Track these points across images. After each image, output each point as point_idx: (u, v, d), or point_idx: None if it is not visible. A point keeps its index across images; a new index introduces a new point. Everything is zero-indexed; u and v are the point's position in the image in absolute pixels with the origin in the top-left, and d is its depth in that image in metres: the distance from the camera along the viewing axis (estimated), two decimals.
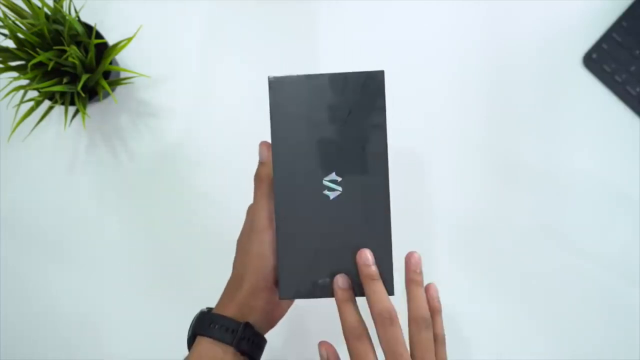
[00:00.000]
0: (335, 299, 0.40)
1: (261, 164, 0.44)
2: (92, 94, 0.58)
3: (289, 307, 0.47)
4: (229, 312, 0.42)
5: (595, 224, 0.61)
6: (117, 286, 0.63)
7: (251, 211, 0.45)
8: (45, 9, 0.53)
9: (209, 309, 0.44)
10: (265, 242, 0.42)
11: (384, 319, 0.38)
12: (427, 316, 0.40)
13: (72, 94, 0.55)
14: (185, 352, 0.44)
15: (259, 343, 0.43)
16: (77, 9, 0.56)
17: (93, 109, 0.63)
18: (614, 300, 0.60)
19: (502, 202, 0.62)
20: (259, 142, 0.45)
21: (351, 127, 0.39)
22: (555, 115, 0.62)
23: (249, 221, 0.45)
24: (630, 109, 0.62)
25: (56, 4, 0.53)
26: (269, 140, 0.41)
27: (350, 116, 0.39)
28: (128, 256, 0.63)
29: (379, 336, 0.39)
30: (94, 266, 0.63)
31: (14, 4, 0.53)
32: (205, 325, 0.42)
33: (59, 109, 0.63)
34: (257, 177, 0.45)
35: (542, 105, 0.62)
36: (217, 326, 0.42)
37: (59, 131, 0.63)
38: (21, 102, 0.54)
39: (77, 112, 0.57)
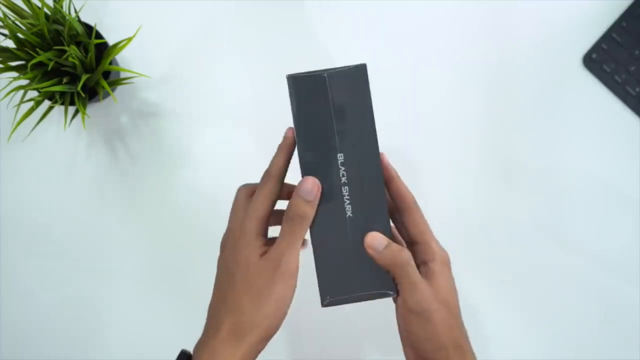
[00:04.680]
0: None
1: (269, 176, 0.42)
2: (92, 94, 0.58)
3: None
4: None
5: (594, 224, 0.61)
6: (117, 286, 0.63)
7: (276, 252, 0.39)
8: (45, 9, 0.53)
9: (188, 358, 0.40)
10: (291, 287, 0.39)
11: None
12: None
13: (72, 94, 0.55)
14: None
15: None
16: (77, 9, 0.56)
17: (93, 109, 0.63)
18: (613, 300, 0.60)
19: (501, 202, 0.62)
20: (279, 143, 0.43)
21: (345, 122, 0.40)
22: (555, 115, 0.62)
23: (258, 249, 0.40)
24: (630, 109, 0.62)
25: (56, 4, 0.53)
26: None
27: (342, 110, 0.40)
28: (128, 256, 0.63)
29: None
30: (94, 266, 0.63)
31: (14, 4, 0.53)
32: None
33: (59, 109, 0.63)
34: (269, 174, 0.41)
35: (542, 105, 0.62)
36: None
37: (58, 131, 0.63)
38: (21, 102, 0.54)
39: (77, 112, 0.57)
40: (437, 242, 0.41)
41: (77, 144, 0.63)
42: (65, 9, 0.54)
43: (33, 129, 0.58)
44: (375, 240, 0.40)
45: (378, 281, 0.40)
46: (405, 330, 0.40)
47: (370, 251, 0.40)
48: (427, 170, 0.62)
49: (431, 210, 0.61)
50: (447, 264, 0.41)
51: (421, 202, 0.42)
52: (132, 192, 0.63)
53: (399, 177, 0.42)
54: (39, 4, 0.59)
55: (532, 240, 0.61)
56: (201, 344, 0.40)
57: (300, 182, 0.39)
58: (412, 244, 0.42)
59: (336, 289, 0.40)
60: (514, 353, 0.61)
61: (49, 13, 0.54)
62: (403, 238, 0.43)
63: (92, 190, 0.63)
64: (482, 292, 0.61)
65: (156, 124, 0.63)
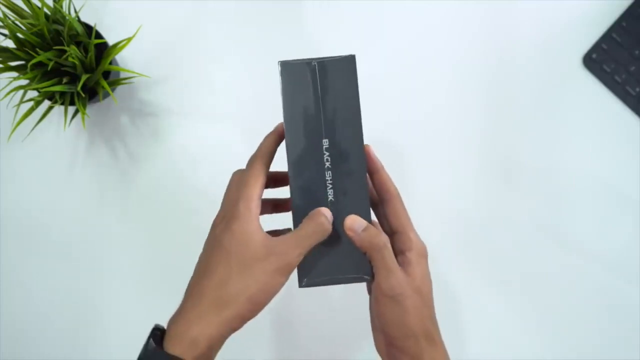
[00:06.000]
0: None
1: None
2: (92, 94, 0.58)
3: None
4: (183, 346, 0.37)
5: (594, 224, 0.61)
6: (117, 286, 0.63)
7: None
8: (45, 9, 0.53)
9: (161, 333, 0.39)
10: (282, 284, 0.39)
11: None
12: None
13: (72, 94, 0.55)
14: None
15: None
16: (77, 9, 0.56)
17: (93, 109, 0.63)
18: (613, 300, 0.60)
19: (501, 202, 0.62)
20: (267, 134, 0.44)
21: (331, 109, 0.42)
22: (555, 115, 0.62)
23: (250, 222, 0.40)
24: (630, 109, 0.62)
25: (56, 4, 0.53)
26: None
27: (329, 98, 0.42)
28: (128, 256, 0.63)
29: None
30: (94, 266, 0.63)
31: (14, 4, 0.53)
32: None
33: (58, 109, 0.63)
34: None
35: (542, 105, 0.62)
36: None
37: (58, 131, 0.63)
38: (21, 102, 0.54)
39: (77, 112, 0.57)
40: (415, 233, 0.42)
41: (77, 144, 0.63)
42: (65, 9, 0.54)
43: (33, 129, 0.58)
44: (355, 222, 0.41)
45: (355, 265, 0.41)
46: (377, 314, 0.41)
47: (349, 232, 0.40)
48: (427, 171, 0.62)
49: (431, 210, 0.62)
50: (424, 255, 0.42)
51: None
52: (131, 192, 0.63)
53: (384, 169, 0.43)
54: (39, 4, 0.59)
55: (532, 240, 0.61)
56: (177, 315, 0.39)
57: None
58: (392, 235, 0.42)
59: (314, 272, 0.41)
60: (514, 353, 0.61)
61: (49, 13, 0.54)
62: (384, 230, 0.44)
63: (92, 190, 0.63)
64: (482, 292, 0.61)
65: (156, 124, 0.63)
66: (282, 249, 0.39)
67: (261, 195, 0.41)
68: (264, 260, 0.38)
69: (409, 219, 0.43)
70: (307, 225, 0.40)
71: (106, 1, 0.63)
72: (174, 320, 0.39)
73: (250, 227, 0.39)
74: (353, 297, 0.59)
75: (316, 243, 0.40)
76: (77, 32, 0.54)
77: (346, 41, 0.63)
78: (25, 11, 0.54)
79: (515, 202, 0.62)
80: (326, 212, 0.41)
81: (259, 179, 0.41)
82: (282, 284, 0.39)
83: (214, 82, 0.64)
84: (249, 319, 0.39)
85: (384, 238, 0.40)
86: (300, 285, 0.41)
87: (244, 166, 0.43)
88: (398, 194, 0.43)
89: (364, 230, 0.40)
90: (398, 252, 0.41)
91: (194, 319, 0.38)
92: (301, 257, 0.39)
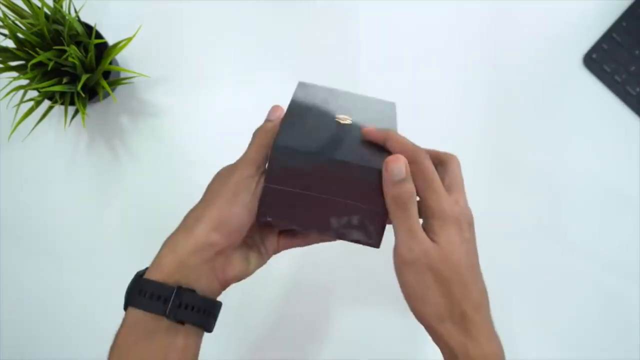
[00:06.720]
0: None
1: (267, 120, 0.42)
2: (92, 94, 0.58)
3: (245, 269, 0.40)
4: (163, 272, 0.36)
5: (594, 224, 0.61)
6: (117, 286, 0.63)
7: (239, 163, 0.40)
8: (45, 9, 0.53)
9: (145, 270, 0.38)
10: (249, 189, 0.38)
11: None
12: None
13: (72, 94, 0.55)
14: None
15: (208, 309, 0.37)
16: (77, 9, 0.56)
17: (93, 109, 0.63)
18: (613, 300, 0.60)
19: (501, 202, 0.62)
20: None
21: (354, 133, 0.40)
22: (555, 115, 0.62)
23: (229, 168, 0.40)
24: (630, 109, 0.62)
25: (56, 4, 0.53)
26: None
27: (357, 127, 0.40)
28: (128, 256, 0.63)
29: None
30: (94, 266, 0.63)
31: (14, 4, 0.53)
32: (134, 293, 0.37)
33: (58, 109, 0.63)
34: (259, 131, 0.42)
35: (542, 105, 0.62)
36: (146, 294, 0.36)
37: (58, 131, 0.63)
38: (21, 102, 0.54)
39: (77, 112, 0.57)
40: (445, 198, 0.36)
41: (77, 143, 0.63)
42: (65, 9, 0.54)
43: (33, 128, 0.58)
44: (398, 161, 0.35)
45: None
46: (400, 285, 0.37)
47: (386, 175, 0.35)
48: None
49: None
50: (453, 222, 0.36)
51: None
52: (131, 192, 0.63)
53: (395, 132, 0.39)
54: (39, 4, 0.59)
55: (532, 240, 0.61)
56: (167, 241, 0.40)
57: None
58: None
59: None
60: (514, 353, 0.60)
61: (49, 13, 0.54)
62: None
63: (92, 190, 0.63)
64: None
65: (156, 123, 0.63)
66: (244, 170, 0.39)
67: (262, 163, 0.40)
68: (253, 200, 0.38)
69: (438, 182, 0.36)
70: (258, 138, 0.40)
71: (106, 1, 0.63)
72: (164, 244, 0.40)
73: (252, 177, 0.38)
74: (353, 297, 0.59)
75: (265, 142, 0.39)
76: (77, 32, 0.54)
77: (346, 41, 0.63)
78: (25, 11, 0.54)
79: (515, 202, 0.62)
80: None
81: (262, 148, 0.40)
82: (246, 206, 0.37)
83: (213, 82, 0.64)
84: (218, 244, 0.37)
85: (414, 194, 0.35)
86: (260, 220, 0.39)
87: None
88: (420, 150, 0.37)
89: (404, 180, 0.35)
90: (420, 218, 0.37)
91: (165, 246, 0.39)
92: (259, 168, 0.38)
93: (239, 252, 0.40)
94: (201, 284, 0.37)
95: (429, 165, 0.37)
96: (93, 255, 0.63)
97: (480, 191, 0.62)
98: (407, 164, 0.35)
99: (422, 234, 0.35)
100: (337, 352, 0.61)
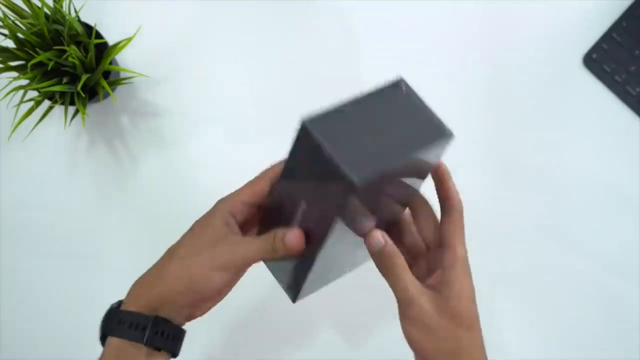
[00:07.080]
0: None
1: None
2: (92, 94, 0.58)
3: (215, 302, 0.41)
4: (140, 303, 0.39)
5: (594, 224, 0.61)
6: (117, 286, 0.63)
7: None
8: (45, 9, 0.53)
9: (119, 303, 0.40)
10: (227, 283, 0.38)
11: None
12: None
13: (72, 94, 0.55)
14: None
15: (176, 335, 0.40)
16: (77, 9, 0.56)
17: (93, 109, 0.63)
18: (613, 300, 0.60)
19: (501, 202, 0.62)
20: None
21: None
22: (555, 115, 0.62)
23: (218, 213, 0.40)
24: (630, 109, 0.62)
25: (56, 4, 0.53)
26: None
27: None
28: (128, 256, 0.63)
29: None
30: (94, 266, 0.63)
31: (14, 4, 0.53)
32: (113, 323, 0.39)
33: (59, 109, 0.63)
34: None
35: (542, 105, 0.62)
36: (126, 324, 0.38)
37: (59, 131, 0.63)
38: (21, 102, 0.54)
39: (77, 112, 0.57)
40: (463, 247, 0.40)
41: (77, 143, 0.63)
42: (65, 8, 0.54)
43: (33, 128, 0.58)
44: (376, 235, 0.37)
45: None
46: (404, 335, 0.39)
47: (370, 243, 0.37)
48: None
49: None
50: (468, 272, 0.40)
51: None
52: (131, 192, 0.63)
53: (451, 179, 0.42)
54: (39, 4, 0.60)
55: (532, 240, 0.61)
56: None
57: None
58: (433, 249, 0.41)
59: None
60: (514, 353, 0.61)
61: (49, 13, 0.54)
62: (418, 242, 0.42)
63: (92, 190, 0.63)
64: (481, 292, 0.61)
65: (156, 124, 0.63)
66: (232, 247, 0.38)
67: (245, 202, 0.40)
68: (209, 250, 0.38)
69: (463, 235, 0.40)
70: (275, 241, 0.37)
71: (106, 1, 0.63)
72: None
73: (216, 218, 0.39)
74: (353, 296, 0.59)
75: (272, 260, 0.39)
76: (77, 32, 0.54)
77: (346, 42, 0.63)
78: (25, 11, 0.54)
79: (515, 202, 0.62)
80: (299, 237, 0.36)
81: (245, 190, 0.41)
82: (224, 281, 0.38)
83: (214, 82, 0.64)
84: (181, 305, 0.38)
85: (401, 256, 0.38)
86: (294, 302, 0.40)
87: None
88: (461, 208, 0.41)
89: (385, 245, 0.37)
90: (436, 268, 0.39)
91: (136, 284, 0.41)
92: (248, 265, 0.38)
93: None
94: (174, 315, 0.39)
95: (461, 218, 0.42)
96: (93, 256, 0.63)
97: (479, 191, 0.63)
98: (384, 235, 0.38)
99: (423, 297, 0.38)
100: (337, 352, 0.61)
